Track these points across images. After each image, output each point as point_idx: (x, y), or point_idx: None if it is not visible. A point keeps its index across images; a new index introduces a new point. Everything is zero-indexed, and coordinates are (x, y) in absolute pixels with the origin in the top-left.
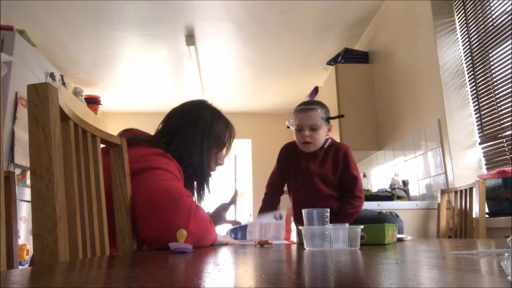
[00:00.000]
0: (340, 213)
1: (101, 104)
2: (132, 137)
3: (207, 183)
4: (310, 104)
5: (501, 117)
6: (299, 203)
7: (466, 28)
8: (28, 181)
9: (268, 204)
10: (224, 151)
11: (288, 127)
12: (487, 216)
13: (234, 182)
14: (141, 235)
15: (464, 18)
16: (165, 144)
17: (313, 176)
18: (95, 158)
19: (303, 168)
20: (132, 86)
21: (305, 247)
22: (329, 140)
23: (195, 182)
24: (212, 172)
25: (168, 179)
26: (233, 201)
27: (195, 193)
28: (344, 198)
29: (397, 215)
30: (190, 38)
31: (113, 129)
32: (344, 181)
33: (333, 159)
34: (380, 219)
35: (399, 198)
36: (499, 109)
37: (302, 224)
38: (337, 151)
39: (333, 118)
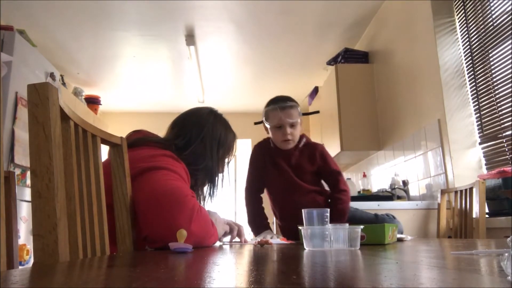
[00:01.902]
0: (333, 212)
1: (101, 104)
2: (142, 137)
3: (215, 189)
4: (287, 101)
5: (501, 117)
6: (282, 200)
7: (466, 28)
8: (28, 181)
9: (255, 208)
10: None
11: (257, 123)
12: (487, 216)
13: (234, 182)
14: (143, 233)
15: (464, 18)
16: (177, 146)
17: (291, 173)
18: (95, 158)
19: (280, 166)
20: (132, 86)
21: (305, 247)
22: (304, 139)
23: (203, 188)
24: (219, 179)
25: (173, 178)
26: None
27: (200, 198)
28: (332, 195)
29: (394, 217)
30: (190, 38)
31: (113, 129)
32: (327, 177)
33: (308, 157)
34: (376, 221)
35: (399, 198)
36: (499, 109)
37: (287, 222)
38: (312, 150)
39: (309, 114)
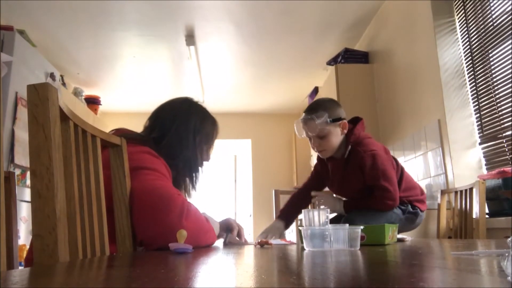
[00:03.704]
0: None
1: (101, 104)
2: (120, 135)
3: (196, 179)
4: (309, 112)
5: (501, 117)
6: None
7: (466, 28)
8: (28, 181)
9: (292, 203)
10: (211, 147)
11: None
12: (487, 216)
13: (234, 182)
14: (138, 238)
15: (464, 18)
16: (154, 139)
17: (336, 187)
18: (95, 159)
19: (330, 177)
20: (132, 86)
21: (305, 247)
22: (349, 147)
23: (185, 179)
24: (201, 168)
25: (156, 178)
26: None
27: (183, 190)
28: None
29: None
30: (190, 38)
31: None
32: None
33: (353, 170)
34: None
35: None
36: (499, 109)
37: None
38: (356, 161)
39: (338, 120)
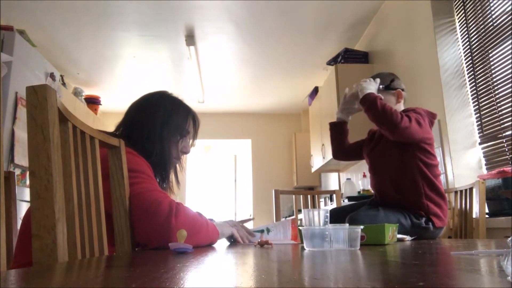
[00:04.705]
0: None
1: (101, 104)
2: None
3: (168, 172)
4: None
5: (501, 117)
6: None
7: (466, 28)
8: (28, 181)
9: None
10: (188, 139)
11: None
12: (487, 216)
13: (234, 182)
14: (136, 239)
15: (464, 18)
16: (125, 137)
17: (376, 149)
18: (94, 160)
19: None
20: (132, 86)
21: (305, 247)
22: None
23: (161, 174)
24: (176, 160)
25: (143, 181)
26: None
27: (166, 186)
28: None
29: None
30: (190, 38)
31: (113, 129)
32: None
33: None
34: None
35: None
36: (499, 109)
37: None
38: None
39: (391, 88)
